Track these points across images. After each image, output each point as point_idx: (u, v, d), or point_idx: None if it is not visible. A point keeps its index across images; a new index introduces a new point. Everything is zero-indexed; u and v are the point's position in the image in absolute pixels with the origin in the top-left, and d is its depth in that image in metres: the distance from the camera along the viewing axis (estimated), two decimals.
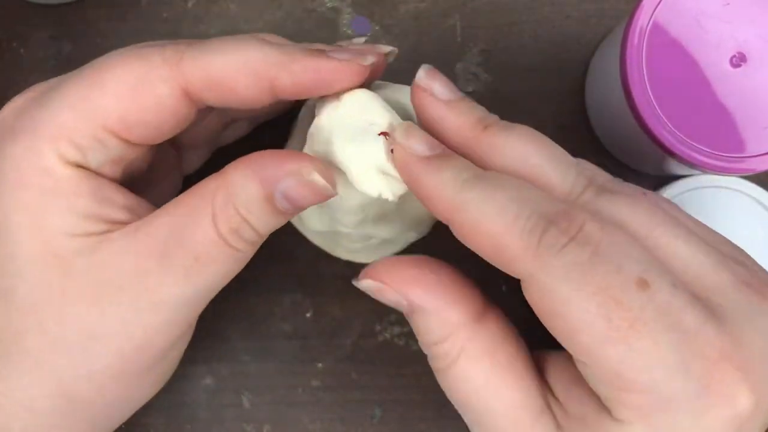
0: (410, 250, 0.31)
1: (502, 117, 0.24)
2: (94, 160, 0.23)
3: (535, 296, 0.20)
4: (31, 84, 0.35)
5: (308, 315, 0.34)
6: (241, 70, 0.22)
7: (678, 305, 0.19)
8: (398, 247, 0.31)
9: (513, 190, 0.21)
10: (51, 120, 0.22)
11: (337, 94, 0.23)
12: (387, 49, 0.25)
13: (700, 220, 0.33)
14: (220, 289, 0.24)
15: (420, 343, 0.23)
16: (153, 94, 0.22)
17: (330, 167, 0.23)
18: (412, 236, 0.31)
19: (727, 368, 0.19)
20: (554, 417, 0.22)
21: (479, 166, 0.22)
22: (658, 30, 0.27)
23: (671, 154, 0.27)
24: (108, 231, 0.22)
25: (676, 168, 0.31)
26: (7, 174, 0.22)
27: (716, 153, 0.27)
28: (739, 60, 0.27)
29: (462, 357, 0.22)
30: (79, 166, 0.23)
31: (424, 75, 0.23)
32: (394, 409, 0.34)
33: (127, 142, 0.23)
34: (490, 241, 0.20)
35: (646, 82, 0.27)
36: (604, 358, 0.19)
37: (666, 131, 0.27)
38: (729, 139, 0.27)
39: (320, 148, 0.23)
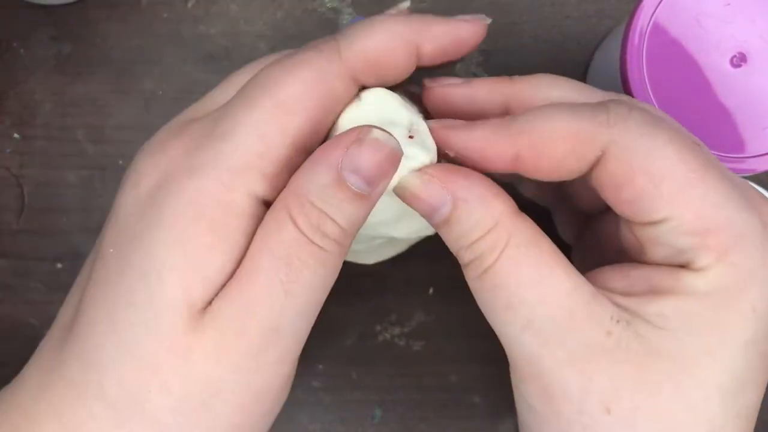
0: (413, 249, 0.31)
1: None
2: (279, 186, 0.22)
3: (614, 167, 0.21)
4: (31, 84, 0.35)
5: None
6: (394, 45, 0.23)
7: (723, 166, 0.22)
8: (402, 248, 0.31)
9: (557, 105, 0.22)
10: (238, 150, 0.21)
11: (357, 94, 0.24)
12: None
13: None
14: (318, 307, 0.22)
15: (459, 249, 0.22)
16: (334, 96, 0.22)
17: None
18: (415, 237, 0.31)
19: None
20: (609, 300, 0.22)
21: (519, 112, 0.23)
22: (658, 30, 0.27)
23: None
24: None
25: None
26: (181, 208, 0.21)
27: (716, 153, 0.27)
28: (739, 60, 0.27)
29: (509, 247, 0.21)
30: (266, 203, 0.22)
31: (429, 79, 0.25)
32: (395, 410, 0.34)
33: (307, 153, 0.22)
34: (566, 137, 0.21)
35: (647, 82, 0.27)
36: (687, 201, 0.21)
37: None
38: (729, 139, 0.27)
39: None
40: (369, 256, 0.31)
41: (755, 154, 0.27)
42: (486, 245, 0.22)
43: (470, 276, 0.22)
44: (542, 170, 0.22)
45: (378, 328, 0.34)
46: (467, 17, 0.24)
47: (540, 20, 0.35)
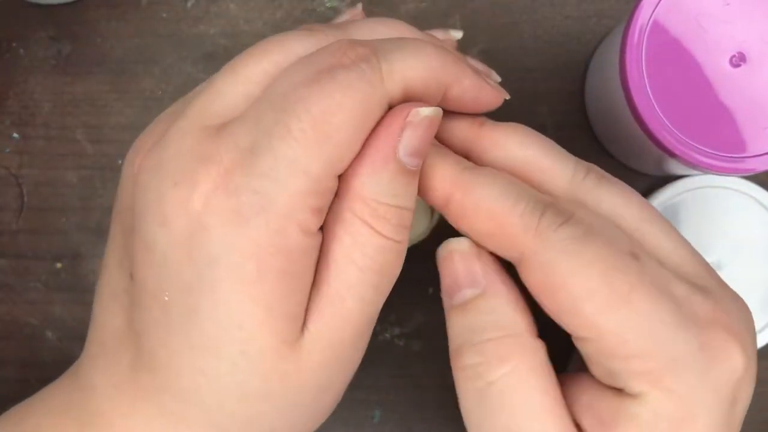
0: (413, 249, 0.31)
1: (502, 117, 0.24)
2: (326, 210, 0.21)
3: (535, 275, 0.21)
4: (30, 84, 0.35)
5: None
6: (429, 80, 0.22)
7: (667, 277, 0.21)
8: None
9: (511, 181, 0.22)
10: (286, 192, 0.20)
11: None
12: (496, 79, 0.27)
13: (700, 220, 0.33)
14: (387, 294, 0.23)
15: (462, 344, 0.21)
16: (373, 122, 0.21)
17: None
18: (414, 240, 0.31)
19: (719, 330, 0.21)
20: None
21: (479, 161, 0.23)
22: (657, 30, 0.27)
23: (671, 154, 0.27)
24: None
25: (676, 168, 0.31)
26: (242, 263, 0.20)
27: (716, 153, 0.27)
28: (738, 60, 0.27)
29: (519, 369, 0.21)
30: (316, 228, 0.21)
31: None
32: (395, 410, 0.34)
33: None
34: (491, 221, 0.21)
35: (646, 82, 0.27)
36: (609, 325, 0.20)
37: (666, 131, 0.27)
38: (729, 139, 0.27)
39: None
40: None
41: (755, 154, 0.27)
42: (494, 352, 0.21)
43: (466, 382, 0.21)
44: (465, 231, 0.22)
45: (377, 328, 0.34)
46: (493, 84, 0.24)
47: (540, 20, 0.35)
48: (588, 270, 0.20)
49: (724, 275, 0.33)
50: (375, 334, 0.34)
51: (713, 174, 0.29)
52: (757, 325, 0.34)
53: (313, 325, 0.21)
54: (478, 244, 0.22)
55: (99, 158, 0.35)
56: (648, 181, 0.35)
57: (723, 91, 0.27)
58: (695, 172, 0.31)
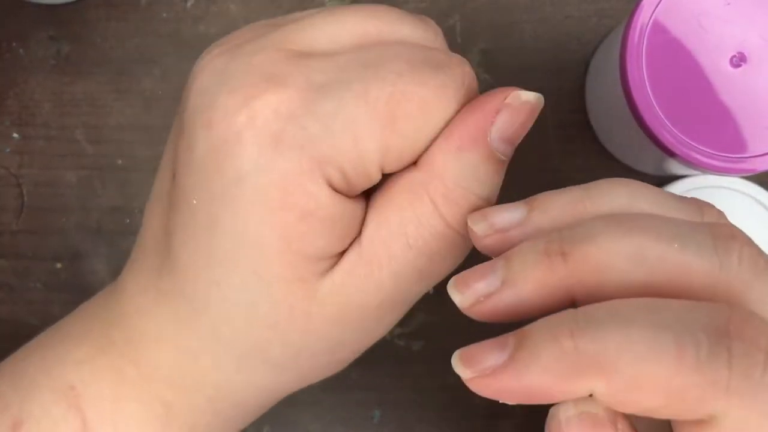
0: None
1: None
2: (354, 188, 0.20)
3: None
4: (30, 84, 0.35)
5: None
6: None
7: None
8: None
9: (645, 313, 0.15)
10: (329, 143, 0.19)
11: None
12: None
13: None
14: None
15: None
16: (430, 137, 0.20)
17: None
18: None
19: None
20: None
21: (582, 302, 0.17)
22: (658, 30, 0.27)
23: (671, 154, 0.27)
24: (341, 251, 0.21)
25: (676, 168, 0.31)
26: (267, 189, 0.19)
27: (716, 153, 0.27)
28: (739, 60, 0.27)
29: None
30: (340, 191, 0.20)
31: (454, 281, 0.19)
32: (394, 410, 0.34)
33: (382, 171, 0.21)
34: (660, 391, 0.15)
35: (646, 82, 0.27)
36: None
37: (666, 131, 0.27)
38: (729, 139, 0.27)
39: None
40: None
41: (755, 154, 0.27)
42: None
43: None
44: (621, 410, 0.16)
45: None
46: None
47: (540, 20, 0.35)
48: None
49: None
50: None
51: (713, 174, 0.29)
52: None
53: (338, 276, 0.21)
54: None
55: (99, 158, 0.35)
56: (648, 181, 0.34)
57: (723, 91, 0.27)
58: (695, 172, 0.31)
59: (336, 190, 0.20)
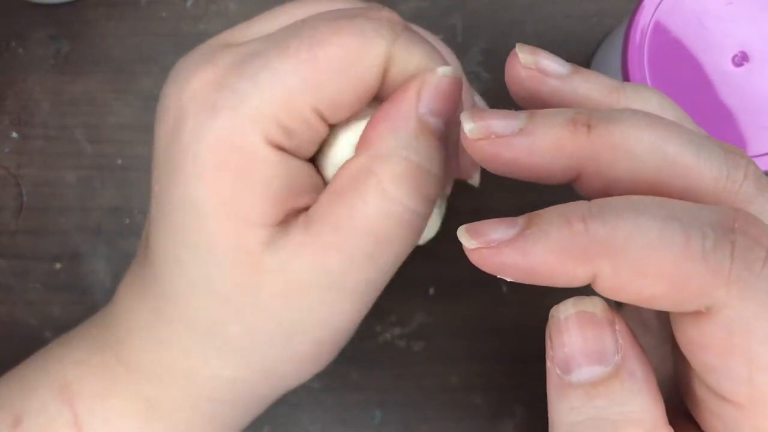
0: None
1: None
2: (296, 142, 0.21)
3: (716, 332, 0.15)
4: (29, 84, 0.35)
5: None
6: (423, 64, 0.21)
7: None
8: None
9: (656, 206, 0.16)
10: (259, 96, 0.20)
11: None
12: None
13: None
14: (403, 259, 0.22)
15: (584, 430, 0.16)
16: (364, 78, 0.21)
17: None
18: (422, 242, 0.30)
19: None
20: None
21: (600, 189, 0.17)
22: (659, 29, 0.27)
23: None
24: (286, 222, 0.21)
25: None
26: (203, 154, 0.20)
27: None
28: (741, 59, 0.27)
29: None
30: (280, 148, 0.21)
31: (468, 113, 0.18)
32: (395, 411, 0.34)
33: (328, 123, 0.21)
34: (663, 278, 0.15)
35: (648, 82, 0.27)
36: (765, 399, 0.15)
37: None
38: (730, 138, 0.27)
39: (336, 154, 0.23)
40: None
41: (756, 154, 0.27)
42: None
43: None
44: (621, 297, 0.16)
45: (378, 328, 0.34)
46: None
47: (541, 19, 0.35)
48: None
49: None
50: (376, 334, 0.34)
51: None
52: None
53: (284, 253, 0.21)
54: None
55: (98, 158, 0.35)
56: None
57: (725, 90, 0.27)
58: None
59: (280, 147, 0.21)
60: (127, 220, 0.35)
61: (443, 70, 0.21)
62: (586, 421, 0.16)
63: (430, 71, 0.21)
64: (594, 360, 0.16)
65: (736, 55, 0.27)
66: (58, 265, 0.35)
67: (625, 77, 0.27)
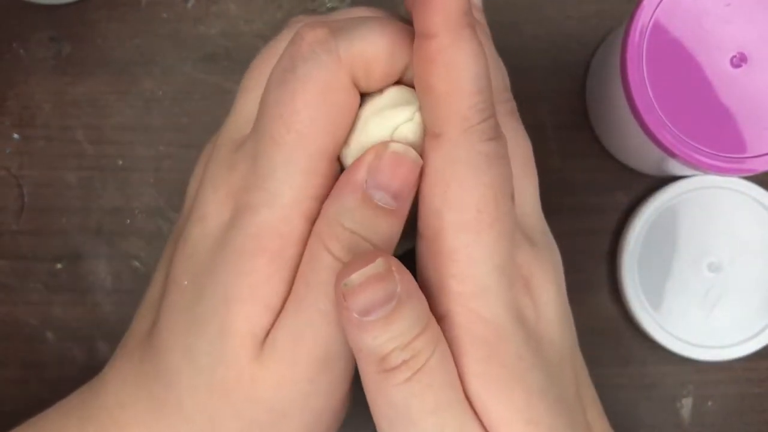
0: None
1: None
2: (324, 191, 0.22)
3: (435, 158, 0.21)
4: (30, 85, 0.35)
5: None
6: (391, 54, 0.22)
7: (515, 223, 0.22)
8: None
9: (488, 71, 0.21)
10: (282, 187, 0.22)
11: (380, 90, 0.23)
12: None
13: (700, 220, 0.33)
14: None
15: (392, 350, 0.20)
16: (341, 106, 0.22)
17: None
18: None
19: (534, 272, 0.23)
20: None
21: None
22: (658, 30, 0.27)
23: (671, 154, 0.27)
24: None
25: (676, 168, 0.31)
26: (245, 243, 0.22)
27: (717, 153, 0.27)
28: (739, 60, 0.27)
29: (439, 347, 0.21)
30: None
31: None
32: None
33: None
34: (449, 87, 0.20)
35: (647, 83, 0.27)
36: (451, 241, 0.21)
37: (666, 132, 0.27)
38: (729, 139, 0.27)
39: (361, 137, 0.23)
40: None
41: (755, 154, 0.27)
42: (422, 343, 0.20)
43: (397, 379, 0.20)
44: (416, 72, 0.21)
45: None
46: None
47: (540, 20, 0.35)
48: (476, 189, 0.21)
49: (724, 275, 0.33)
50: None
51: (713, 174, 0.29)
52: (758, 326, 0.34)
53: (273, 333, 0.22)
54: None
55: (99, 159, 0.35)
56: (648, 181, 0.35)
57: (724, 91, 0.27)
58: (695, 172, 0.31)
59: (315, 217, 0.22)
60: (128, 221, 0.35)
61: (395, 146, 0.21)
62: (392, 338, 0.20)
63: (383, 144, 0.21)
64: (385, 301, 0.19)
65: (734, 56, 0.27)
66: (59, 266, 0.35)
67: (624, 78, 0.27)
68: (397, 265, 0.20)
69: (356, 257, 0.20)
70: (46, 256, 0.35)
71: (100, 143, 0.35)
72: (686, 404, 0.34)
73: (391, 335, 0.20)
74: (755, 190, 0.33)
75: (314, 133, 0.21)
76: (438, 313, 0.21)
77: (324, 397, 0.23)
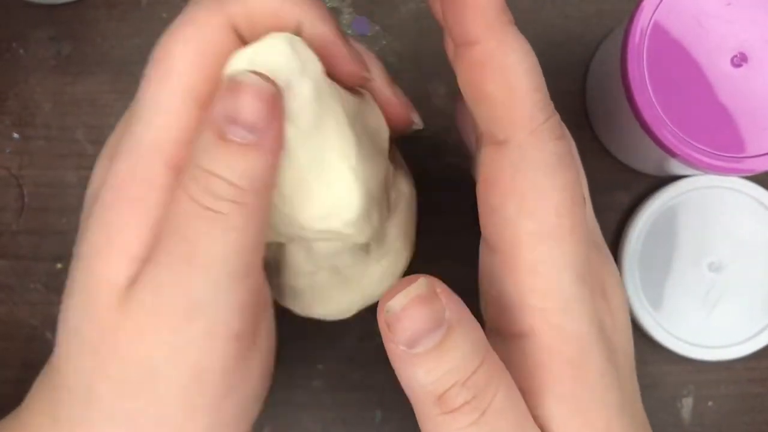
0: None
1: None
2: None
3: (504, 165, 0.20)
4: (30, 84, 0.35)
5: None
6: (270, 9, 0.21)
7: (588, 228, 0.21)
8: (357, 296, 0.26)
9: (539, 67, 0.20)
10: (146, 128, 0.21)
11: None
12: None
13: (700, 220, 0.33)
14: (247, 271, 0.21)
15: (451, 386, 0.18)
16: (216, 47, 0.21)
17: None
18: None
19: (608, 279, 0.23)
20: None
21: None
22: (658, 30, 0.27)
23: (672, 154, 0.27)
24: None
25: (676, 168, 0.31)
26: (106, 192, 0.22)
27: (716, 153, 0.27)
28: (740, 60, 0.27)
29: (503, 388, 0.19)
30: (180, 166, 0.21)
31: None
32: (396, 411, 0.34)
33: None
34: (506, 91, 0.20)
35: (647, 83, 0.27)
36: (530, 252, 0.20)
37: (666, 131, 0.27)
38: (729, 139, 0.27)
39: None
40: (307, 301, 0.26)
41: (755, 154, 0.27)
42: (484, 378, 0.18)
43: (461, 422, 0.18)
44: (464, 83, 0.21)
45: (378, 328, 0.34)
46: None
47: (540, 20, 0.35)
48: (554, 194, 0.20)
49: (724, 275, 0.33)
50: (375, 335, 0.34)
51: (714, 174, 0.29)
52: (758, 326, 0.34)
53: (133, 286, 0.20)
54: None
55: None
56: (649, 181, 0.35)
57: (724, 91, 0.27)
58: (696, 172, 0.31)
59: (179, 167, 0.22)
60: None
61: (231, 73, 0.20)
62: (447, 373, 0.18)
63: (227, 78, 0.20)
64: (433, 327, 0.18)
65: (735, 56, 0.27)
66: (59, 266, 0.35)
67: (624, 78, 0.27)
68: (442, 287, 0.18)
69: (399, 281, 0.19)
70: (46, 256, 0.35)
71: (100, 143, 0.35)
72: (686, 404, 0.34)
73: (447, 368, 0.18)
74: (755, 190, 0.33)
75: (179, 68, 0.21)
76: (516, 332, 0.20)
77: (198, 352, 0.20)
